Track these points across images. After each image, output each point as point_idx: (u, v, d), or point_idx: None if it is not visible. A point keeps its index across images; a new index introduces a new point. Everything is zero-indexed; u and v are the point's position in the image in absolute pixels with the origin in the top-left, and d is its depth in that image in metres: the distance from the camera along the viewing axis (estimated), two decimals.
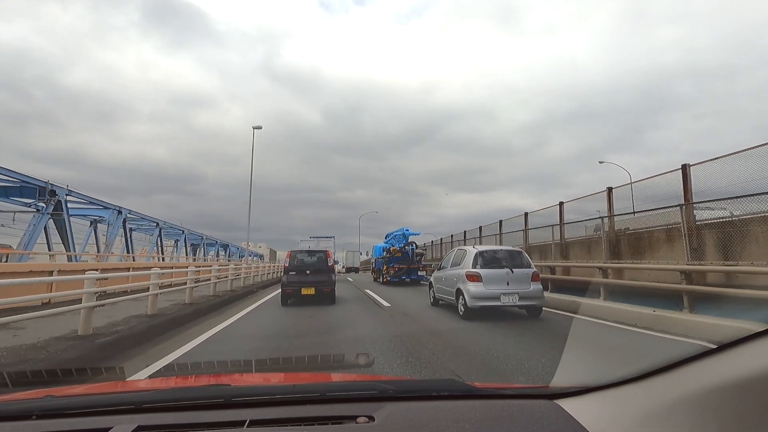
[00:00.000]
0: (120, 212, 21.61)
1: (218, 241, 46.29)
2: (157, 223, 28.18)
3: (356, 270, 46.37)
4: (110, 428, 1.07)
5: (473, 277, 8.49)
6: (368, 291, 15.07)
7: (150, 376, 4.09)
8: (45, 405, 1.22)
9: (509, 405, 1.21)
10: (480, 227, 19.67)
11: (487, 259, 8.85)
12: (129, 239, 25.02)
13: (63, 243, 17.56)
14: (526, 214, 15.22)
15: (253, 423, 1.09)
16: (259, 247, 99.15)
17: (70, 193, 17.67)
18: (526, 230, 15.02)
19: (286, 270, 11.52)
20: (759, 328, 0.79)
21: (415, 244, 21.10)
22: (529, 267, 8.88)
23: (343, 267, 45.09)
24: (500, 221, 17.41)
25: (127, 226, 25.03)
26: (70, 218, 18.40)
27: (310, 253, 12.43)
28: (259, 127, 24.98)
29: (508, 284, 8.39)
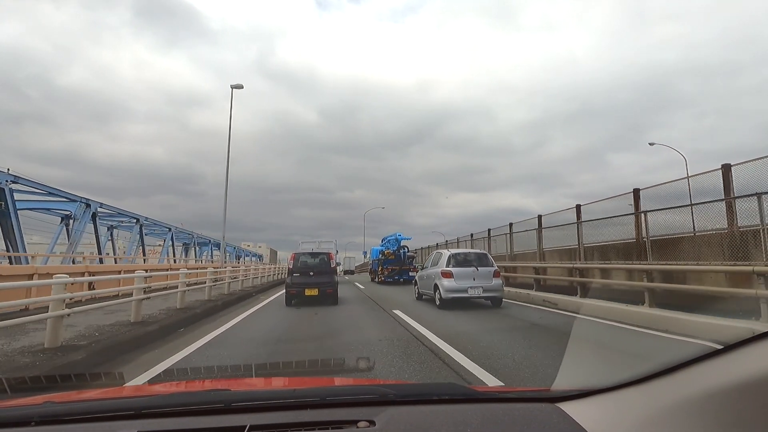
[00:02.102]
0: (88, 205, 18.45)
1: (211, 240, 41.79)
2: (137, 219, 24.28)
3: (352, 272, 50.29)
4: None
5: (447, 274, 10.37)
6: (399, 313, 9.26)
7: (149, 381, 4.08)
8: (44, 411, 1.21)
9: (510, 408, 1.21)
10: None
11: (459, 260, 10.77)
12: (100, 237, 21.47)
13: (7, 241, 14.81)
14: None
15: (254, 428, 1.08)
16: (259, 247, 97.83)
17: (16, 180, 14.82)
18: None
19: (290, 271, 11.93)
20: (764, 328, 0.79)
21: (407, 247, 23.29)
22: (492, 266, 10.84)
23: (341, 270, 46.48)
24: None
25: (100, 222, 21.72)
26: (31, 212, 16.44)
27: (314, 255, 12.72)
28: (240, 87, 21.11)
29: (474, 280, 10.29)
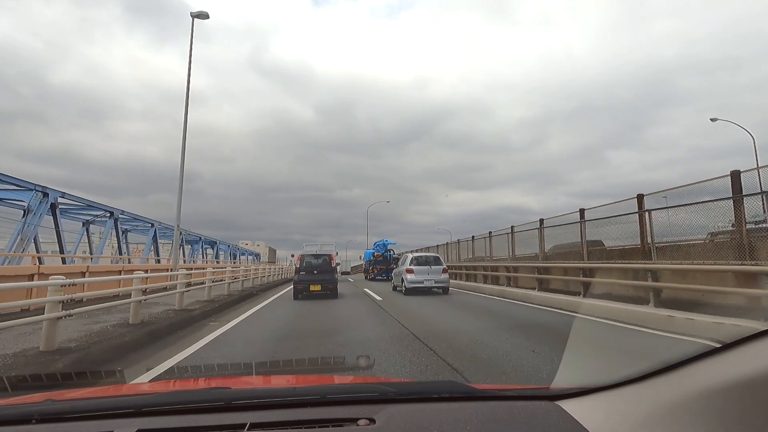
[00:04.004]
0: (46, 194, 15.57)
1: (202, 238, 37.30)
2: (112, 213, 20.44)
3: (348, 273, 51.61)
4: None
5: (409, 271, 14.78)
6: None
7: (151, 380, 4.09)
8: (45, 409, 1.21)
9: (510, 406, 1.21)
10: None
11: (420, 261, 15.29)
12: (61, 232, 17.43)
13: None
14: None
15: (254, 426, 1.09)
16: (257, 245, 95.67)
17: None
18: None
19: (298, 270, 14.21)
20: (763, 327, 0.79)
21: (393, 251, 28.65)
22: (442, 265, 15.29)
23: (340, 270, 46.25)
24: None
25: (71, 216, 19.79)
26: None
27: (317, 256, 14.81)
28: (204, 16, 15.88)
29: (428, 274, 14.63)
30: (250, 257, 59.28)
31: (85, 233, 21.50)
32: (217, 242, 41.70)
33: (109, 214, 20.69)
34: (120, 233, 22.34)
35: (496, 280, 16.15)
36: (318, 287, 13.26)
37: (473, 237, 21.73)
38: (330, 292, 13.43)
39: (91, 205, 19.44)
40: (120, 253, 22.81)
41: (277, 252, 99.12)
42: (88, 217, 21.10)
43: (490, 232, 19.07)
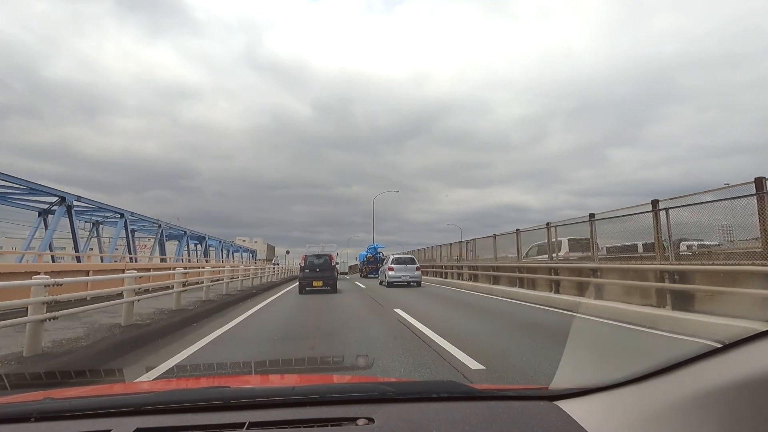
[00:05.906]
0: None
1: (188, 232, 32.25)
2: (63, 199, 16.05)
3: (346, 273, 51.25)
4: (109, 430, 1.07)
5: (390, 269, 18.92)
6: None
7: (150, 380, 4.08)
8: (43, 407, 1.21)
9: (509, 406, 1.21)
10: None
11: (398, 261, 19.58)
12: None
13: None
14: (517, 230, 15.43)
15: (253, 425, 1.09)
16: (255, 242, 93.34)
17: None
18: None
19: (302, 268, 16.26)
20: (763, 327, 0.78)
21: (382, 253, 34.03)
22: (415, 263, 19.42)
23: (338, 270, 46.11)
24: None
25: (24, 205, 16.72)
26: None
27: (319, 256, 16.76)
28: None
29: (405, 271, 18.78)
30: (244, 254, 54.80)
31: (42, 225, 17.29)
32: (206, 237, 36.73)
33: (60, 201, 16.12)
34: (75, 225, 17.65)
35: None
36: (320, 283, 15.40)
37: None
38: (330, 287, 15.42)
39: (34, 189, 14.96)
40: (77, 250, 17.98)
41: (276, 249, 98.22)
42: (45, 206, 17.03)
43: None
